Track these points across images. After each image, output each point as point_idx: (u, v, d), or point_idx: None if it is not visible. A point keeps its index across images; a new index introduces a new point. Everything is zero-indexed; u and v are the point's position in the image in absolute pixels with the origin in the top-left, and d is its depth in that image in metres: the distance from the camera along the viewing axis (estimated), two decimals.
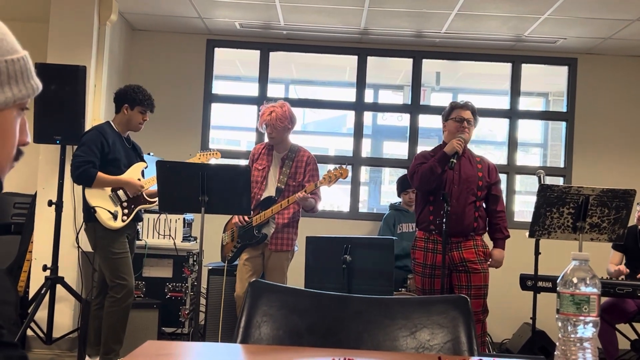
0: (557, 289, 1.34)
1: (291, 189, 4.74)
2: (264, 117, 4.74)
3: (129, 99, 4.65)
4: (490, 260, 4.46)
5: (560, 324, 1.33)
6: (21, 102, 1.07)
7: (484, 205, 4.52)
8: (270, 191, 4.79)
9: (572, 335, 1.31)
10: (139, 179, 4.69)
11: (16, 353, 0.97)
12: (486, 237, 4.56)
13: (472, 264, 4.33)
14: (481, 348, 4.40)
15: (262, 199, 4.77)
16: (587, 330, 1.30)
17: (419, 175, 4.36)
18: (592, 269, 1.34)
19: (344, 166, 4.60)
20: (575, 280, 1.32)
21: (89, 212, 4.53)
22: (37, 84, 1.09)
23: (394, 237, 5.39)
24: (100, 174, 4.47)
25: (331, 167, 4.69)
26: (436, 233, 4.35)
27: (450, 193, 4.34)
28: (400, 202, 6.21)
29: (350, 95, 6.95)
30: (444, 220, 4.18)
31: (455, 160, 4.26)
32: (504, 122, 6.95)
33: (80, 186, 4.60)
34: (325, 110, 7.89)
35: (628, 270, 5.03)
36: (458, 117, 4.46)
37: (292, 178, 4.78)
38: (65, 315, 5.42)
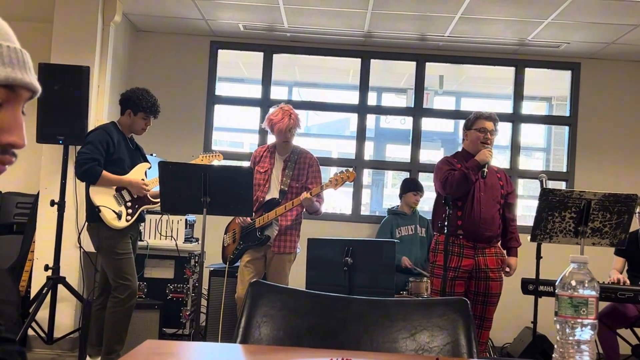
0: (556, 291, 1.34)
1: (294, 191, 4.74)
2: (284, 122, 4.68)
3: (133, 104, 4.64)
4: (507, 269, 4.51)
5: (558, 326, 1.33)
6: None
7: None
8: (273, 193, 4.78)
9: (570, 338, 1.31)
10: (143, 179, 4.70)
11: (14, 348, 0.98)
12: None
13: (492, 272, 4.41)
14: (484, 353, 4.44)
15: (264, 201, 4.77)
16: (585, 332, 1.30)
17: (453, 182, 4.38)
18: (591, 272, 1.34)
19: (350, 169, 4.60)
20: (573, 282, 1.32)
21: (93, 212, 4.52)
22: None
23: (396, 240, 5.39)
24: (104, 172, 4.48)
25: (337, 170, 4.69)
26: (463, 237, 4.38)
27: (478, 200, 4.41)
28: (397, 206, 6.20)
29: (353, 98, 6.96)
30: (446, 223, 4.21)
31: (486, 170, 4.37)
32: (507, 126, 6.94)
33: (84, 186, 4.60)
34: (328, 113, 7.89)
35: (628, 282, 5.01)
36: (481, 128, 4.51)
37: (295, 180, 4.78)
38: (66, 315, 5.43)
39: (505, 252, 4.59)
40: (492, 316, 4.44)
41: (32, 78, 1.05)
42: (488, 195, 4.45)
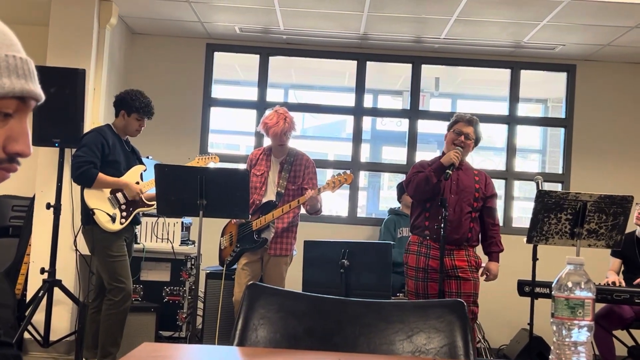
0: (552, 293, 1.34)
1: (291, 193, 4.74)
2: (279, 125, 4.67)
3: (127, 105, 4.65)
4: (488, 274, 4.50)
5: (555, 327, 1.33)
6: None
7: (477, 218, 4.54)
8: (269, 196, 4.78)
9: (567, 339, 1.31)
10: (138, 182, 4.70)
11: (11, 352, 0.98)
12: (479, 250, 4.58)
13: (462, 272, 4.37)
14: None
15: (261, 204, 4.77)
16: (582, 334, 1.31)
17: (414, 184, 4.39)
18: (587, 273, 1.34)
19: (347, 172, 4.60)
20: (570, 284, 1.32)
21: (88, 215, 4.53)
22: (5, 84, 1.02)
23: (392, 242, 5.40)
24: (100, 174, 4.48)
25: (335, 172, 4.69)
26: (430, 238, 4.36)
27: (447, 202, 4.36)
28: (400, 207, 6.23)
29: (349, 100, 6.96)
30: (442, 225, 4.20)
31: (450, 172, 4.29)
32: (503, 128, 6.96)
33: (79, 189, 4.60)
34: (324, 115, 7.89)
35: (624, 284, 5.01)
36: (458, 130, 4.49)
37: (292, 182, 4.78)
38: (62, 318, 5.41)
39: (480, 256, 4.57)
40: (472, 316, 4.35)
41: (39, 88, 1.08)
42: (459, 198, 4.42)
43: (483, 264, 4.55)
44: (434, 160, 4.55)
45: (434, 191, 4.35)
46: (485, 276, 4.51)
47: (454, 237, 4.37)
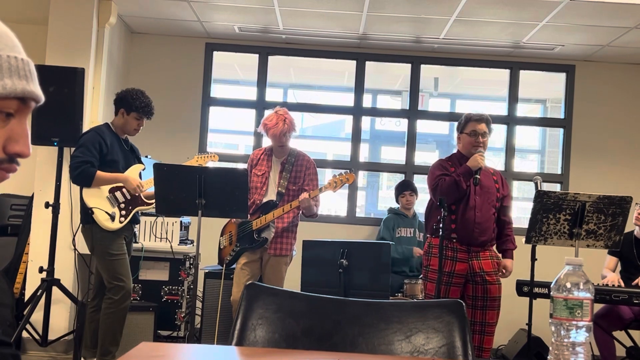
0: (551, 293, 1.34)
1: (292, 193, 4.74)
2: (279, 127, 4.67)
3: (126, 103, 4.64)
4: (504, 271, 4.50)
5: (553, 328, 1.34)
6: None
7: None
8: (270, 196, 4.77)
9: (565, 340, 1.31)
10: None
11: (10, 351, 0.98)
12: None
13: (489, 276, 4.37)
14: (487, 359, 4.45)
15: (262, 203, 4.76)
16: (580, 334, 1.31)
17: (443, 189, 4.35)
18: (586, 274, 1.34)
19: (349, 171, 4.60)
20: (568, 285, 1.32)
21: (87, 214, 4.52)
22: (6, 84, 1.03)
23: (391, 242, 5.40)
24: (98, 172, 4.47)
25: (336, 172, 4.69)
26: (457, 241, 4.37)
27: (473, 204, 4.37)
28: (399, 207, 6.24)
29: (348, 100, 6.96)
30: (441, 225, 4.20)
31: (479, 177, 4.30)
32: (502, 128, 6.96)
33: (78, 188, 4.59)
34: (323, 115, 7.89)
35: (623, 284, 5.01)
36: (472, 131, 4.46)
37: (293, 182, 4.78)
38: (61, 317, 5.41)
39: (500, 254, 4.59)
40: (495, 321, 4.37)
41: (39, 89, 1.09)
42: (483, 199, 4.42)
43: None
44: (451, 159, 4.54)
45: (462, 195, 4.37)
46: (501, 273, 4.52)
47: (482, 240, 4.38)
